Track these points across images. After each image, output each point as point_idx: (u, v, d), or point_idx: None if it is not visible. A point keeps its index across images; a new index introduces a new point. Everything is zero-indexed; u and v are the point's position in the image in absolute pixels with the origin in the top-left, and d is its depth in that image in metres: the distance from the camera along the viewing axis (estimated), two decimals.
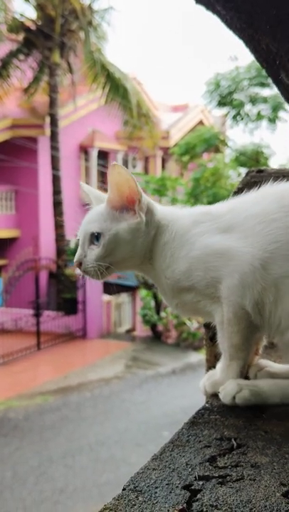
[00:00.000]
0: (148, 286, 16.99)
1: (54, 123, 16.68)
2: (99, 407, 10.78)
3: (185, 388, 11.68)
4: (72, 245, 18.42)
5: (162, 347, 16.08)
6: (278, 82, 1.13)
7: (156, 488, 0.92)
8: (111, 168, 1.44)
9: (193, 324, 16.13)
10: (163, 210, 1.46)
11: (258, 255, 1.26)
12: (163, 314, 16.57)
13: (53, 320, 15.57)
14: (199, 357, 14.31)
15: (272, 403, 1.30)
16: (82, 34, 16.83)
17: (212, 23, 1.16)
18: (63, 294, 16.54)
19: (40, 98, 17.31)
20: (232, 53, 17.94)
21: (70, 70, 17.20)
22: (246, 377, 1.39)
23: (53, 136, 16.69)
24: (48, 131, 17.06)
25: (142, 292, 17.20)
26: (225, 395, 1.31)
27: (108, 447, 8.62)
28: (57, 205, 16.86)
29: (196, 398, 1.45)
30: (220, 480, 0.95)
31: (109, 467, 7.82)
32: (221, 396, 1.32)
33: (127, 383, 12.45)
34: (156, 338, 16.77)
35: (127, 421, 9.93)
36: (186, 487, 0.92)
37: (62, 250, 17.10)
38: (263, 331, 1.37)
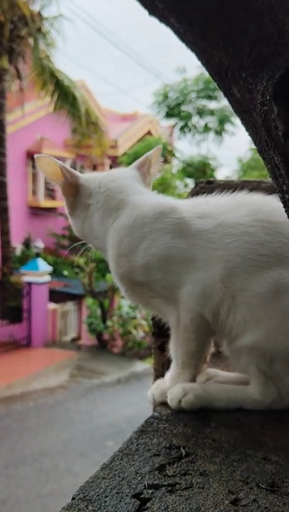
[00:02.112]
0: (94, 295, 16.93)
1: (1, 129, 16.48)
2: (43, 417, 10.65)
3: (130, 397, 11.66)
4: (18, 252, 18.21)
5: (108, 356, 16.02)
6: (230, 96, 1.14)
7: (106, 497, 0.92)
8: (36, 160, 1.47)
9: (139, 334, 16.14)
10: (117, 186, 1.46)
11: (222, 269, 1.27)
12: (109, 323, 16.53)
13: None
14: (145, 366, 14.33)
15: (218, 407, 1.32)
16: (31, 41, 16.71)
17: (164, 34, 1.16)
18: (8, 302, 16.30)
19: None
20: (180, 65, 18.17)
21: (19, 76, 17.04)
22: None
23: (0, 142, 16.48)
24: None
25: (88, 301, 17.13)
26: (171, 399, 1.33)
27: (52, 457, 8.51)
28: (2, 211, 16.63)
29: (141, 407, 1.46)
30: (169, 488, 0.95)
31: (53, 477, 7.72)
32: (168, 400, 1.33)
33: (71, 392, 12.35)
34: (102, 347, 16.71)
35: (71, 431, 9.83)
36: (136, 496, 0.93)
37: (8, 257, 16.87)
38: (214, 338, 1.39)
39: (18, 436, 9.58)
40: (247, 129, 1.16)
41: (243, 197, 1.39)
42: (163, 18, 1.12)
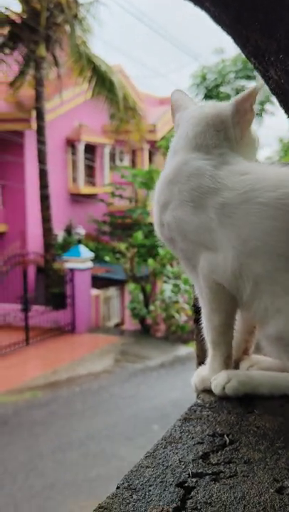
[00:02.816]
0: (136, 280, 17.01)
1: (40, 117, 16.59)
2: (88, 402, 10.79)
3: (174, 381, 11.71)
4: (60, 239, 18.39)
5: (151, 340, 16.10)
6: (267, 78, 1.13)
7: (150, 486, 0.92)
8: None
9: (182, 317, 16.17)
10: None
11: (237, 248, 1.24)
12: (152, 308, 16.59)
13: (41, 315, 15.53)
14: (188, 350, 14.35)
15: (262, 393, 1.31)
16: (67, 27, 16.73)
17: (200, 16, 1.15)
18: (51, 289, 16.50)
19: (26, 92, 17.19)
20: (218, 46, 17.96)
21: (56, 64, 17.10)
22: None
23: (40, 130, 16.60)
24: (34, 125, 16.96)
25: (131, 286, 17.21)
26: (215, 386, 1.33)
27: (98, 442, 8.63)
28: (44, 199, 16.79)
29: (185, 391, 1.46)
30: (213, 477, 0.95)
31: (100, 462, 7.82)
32: (212, 387, 1.33)
33: (116, 377, 12.46)
34: (145, 331, 16.80)
35: (116, 415, 9.94)
36: (180, 484, 0.93)
37: (50, 245, 17.05)
38: (244, 314, 1.37)
39: (64, 421, 9.74)
40: (285, 111, 1.14)
41: (285, 175, 1.29)
42: (198, 2, 1.11)
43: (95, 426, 9.35)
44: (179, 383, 11.07)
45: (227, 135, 1.38)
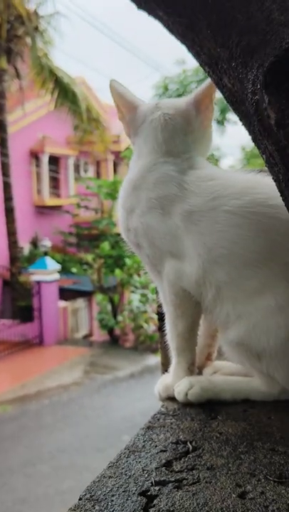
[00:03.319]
0: (104, 291, 16.95)
1: (3, 129, 16.47)
2: (58, 414, 10.69)
3: (144, 391, 11.68)
4: (25, 252, 18.25)
5: (120, 351, 16.05)
6: (221, 87, 1.14)
7: (113, 496, 0.92)
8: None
9: (151, 327, 16.16)
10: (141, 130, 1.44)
11: (202, 256, 1.24)
12: (120, 318, 16.55)
13: (8, 328, 15.36)
14: (157, 359, 14.27)
15: (224, 399, 1.31)
16: (28, 39, 16.68)
17: (161, 27, 1.16)
18: (18, 302, 16.34)
19: None
20: (179, 57, 18.11)
21: (18, 76, 17.02)
22: None
23: (2, 143, 16.48)
24: None
25: (98, 297, 17.15)
26: (178, 393, 1.33)
27: (69, 454, 8.55)
28: (8, 211, 16.65)
29: (155, 401, 1.46)
30: (176, 484, 0.95)
31: (71, 474, 7.75)
32: (175, 394, 1.33)
33: (85, 389, 12.39)
34: (114, 342, 16.74)
35: (86, 427, 9.87)
36: (143, 493, 0.92)
37: (16, 257, 16.90)
38: (207, 318, 1.37)
39: (34, 434, 9.63)
40: (240, 119, 1.15)
41: (252, 182, 1.32)
42: (151, 11, 1.11)
43: (66, 438, 9.27)
44: (149, 393, 10.99)
45: (194, 137, 1.39)
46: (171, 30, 1.13)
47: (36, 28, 16.64)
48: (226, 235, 1.23)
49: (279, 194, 1.02)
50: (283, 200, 1.05)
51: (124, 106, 1.44)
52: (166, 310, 1.37)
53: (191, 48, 1.13)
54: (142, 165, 1.39)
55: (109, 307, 16.92)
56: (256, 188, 1.27)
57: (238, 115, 1.14)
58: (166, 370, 1.56)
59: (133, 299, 16.48)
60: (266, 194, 1.24)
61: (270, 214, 1.22)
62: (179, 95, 16.67)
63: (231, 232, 1.23)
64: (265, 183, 1.25)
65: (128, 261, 15.91)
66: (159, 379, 1.45)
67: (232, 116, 16.82)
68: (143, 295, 16.28)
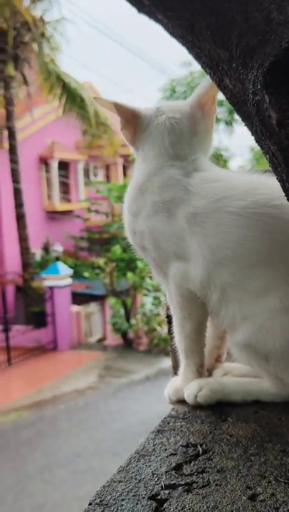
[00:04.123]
0: (116, 294, 16.96)
1: (12, 136, 16.55)
2: (74, 419, 10.70)
3: (159, 394, 11.49)
4: (37, 257, 18.30)
5: (134, 354, 16.04)
6: (223, 87, 1.14)
7: (123, 500, 0.92)
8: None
9: (164, 330, 16.13)
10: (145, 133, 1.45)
11: (207, 257, 1.24)
12: (133, 322, 16.55)
13: (22, 334, 15.41)
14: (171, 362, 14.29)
15: (234, 400, 1.31)
16: (35, 46, 16.74)
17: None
18: (31, 308, 16.39)
19: None
20: (185, 59, 18.11)
21: (26, 82, 17.08)
22: None
23: (12, 149, 16.55)
24: (6, 144, 16.90)
25: (111, 301, 17.15)
26: (188, 396, 1.33)
27: (86, 459, 8.55)
28: (20, 218, 16.71)
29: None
30: (186, 487, 0.95)
31: (88, 479, 7.75)
32: (185, 397, 1.33)
33: (101, 393, 12.38)
34: (128, 345, 16.74)
35: (103, 431, 9.87)
36: (153, 497, 0.92)
37: (28, 263, 16.95)
38: (214, 321, 1.37)
39: (51, 439, 9.63)
40: (243, 120, 1.15)
41: (256, 183, 1.32)
42: (151, 15, 1.12)
43: (82, 443, 9.27)
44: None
45: (199, 139, 1.40)
46: (172, 33, 1.13)
47: (42, 34, 16.71)
48: (231, 236, 1.23)
49: (283, 195, 1.02)
50: (288, 199, 1.04)
51: (126, 114, 1.45)
52: (173, 312, 1.37)
53: (191, 50, 1.13)
54: (148, 169, 1.39)
55: (122, 311, 16.92)
56: (260, 189, 1.27)
57: (240, 116, 1.14)
58: (177, 373, 1.56)
59: (146, 302, 16.47)
60: (270, 195, 1.24)
61: (274, 214, 1.22)
62: (186, 97, 16.70)
63: (236, 233, 1.23)
64: (269, 184, 1.24)
65: (140, 264, 15.90)
66: (169, 382, 1.45)
67: None
68: (156, 298, 16.27)
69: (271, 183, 1.19)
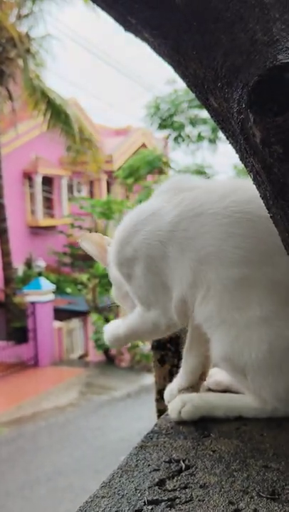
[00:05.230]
0: (99, 310, 16.92)
1: None
2: (55, 436, 10.62)
3: (140, 411, 11.62)
4: (20, 273, 18.22)
5: (116, 371, 15.99)
6: (208, 106, 1.15)
7: None
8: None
9: (146, 346, 16.10)
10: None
11: (193, 256, 1.25)
12: None
13: (2, 350, 15.30)
14: (153, 378, 14.24)
15: (217, 415, 1.31)
16: (20, 62, 16.80)
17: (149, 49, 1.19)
18: (13, 323, 16.30)
19: None
20: (170, 77, 18.25)
21: (10, 98, 17.12)
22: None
23: None
24: None
25: (94, 317, 17.11)
26: (171, 411, 1.34)
27: (66, 476, 8.48)
28: (2, 232, 16.66)
29: (153, 420, 1.46)
30: (169, 503, 0.94)
31: (68, 496, 7.69)
32: (169, 412, 1.34)
33: (82, 410, 12.31)
34: (110, 362, 16.68)
35: (84, 448, 9.80)
36: None
37: (10, 278, 16.88)
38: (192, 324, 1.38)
39: (31, 456, 9.55)
40: (227, 138, 1.16)
41: (235, 185, 1.34)
42: (138, 33, 1.13)
43: (63, 460, 9.20)
44: (146, 412, 10.94)
45: None
46: (158, 52, 1.14)
47: (28, 50, 16.78)
48: (213, 234, 1.22)
49: (260, 195, 1.03)
50: (271, 217, 1.05)
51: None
52: (136, 322, 1.40)
53: (177, 69, 1.14)
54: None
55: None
56: (239, 190, 1.28)
57: (225, 134, 1.15)
58: (160, 389, 1.56)
59: None
60: (250, 194, 1.24)
61: (256, 212, 1.22)
62: (171, 115, 16.79)
63: (218, 230, 1.23)
64: (249, 185, 1.26)
65: None
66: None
67: (223, 135, 16.94)
68: None
69: (251, 183, 1.21)
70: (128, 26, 1.14)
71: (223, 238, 1.22)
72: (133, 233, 1.34)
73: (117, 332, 1.45)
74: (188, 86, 1.20)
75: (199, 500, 0.95)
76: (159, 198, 1.39)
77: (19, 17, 16.79)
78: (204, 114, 16.41)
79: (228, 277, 1.21)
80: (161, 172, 18.09)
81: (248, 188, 1.26)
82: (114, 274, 1.47)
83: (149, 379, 14.61)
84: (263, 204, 1.23)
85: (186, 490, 0.99)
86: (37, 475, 8.60)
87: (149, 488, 1.00)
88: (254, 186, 1.22)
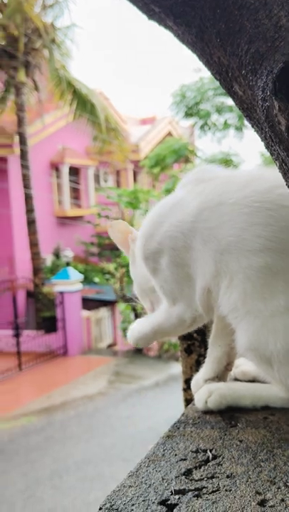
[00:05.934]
0: (126, 300, 16.96)
1: (23, 142, 16.62)
2: (84, 425, 10.69)
3: (169, 400, 11.64)
4: (48, 263, 18.34)
5: (144, 360, 16.03)
6: (232, 94, 1.14)
7: (133, 505, 0.92)
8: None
9: None
10: None
11: (215, 247, 1.24)
12: None
13: (33, 339, 15.45)
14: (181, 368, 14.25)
15: (244, 405, 1.31)
16: (46, 52, 16.83)
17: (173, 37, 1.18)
18: (42, 313, 16.43)
19: (8, 117, 17.24)
20: (196, 65, 18.14)
21: (37, 88, 17.18)
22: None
23: (23, 155, 16.63)
24: (17, 150, 17.00)
25: (121, 306, 17.17)
26: (198, 401, 1.34)
27: (95, 465, 8.54)
28: (30, 223, 16.77)
29: (181, 409, 1.46)
30: (196, 493, 0.95)
31: (98, 485, 7.74)
32: (195, 402, 1.34)
33: (110, 399, 12.37)
34: (138, 351, 16.72)
35: (112, 437, 9.85)
36: (163, 502, 0.92)
37: (39, 268, 17.00)
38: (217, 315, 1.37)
39: (60, 445, 9.63)
40: (252, 126, 1.15)
41: (255, 174, 1.33)
42: (161, 22, 1.12)
43: (92, 449, 9.27)
44: (174, 401, 10.98)
45: None
46: (182, 40, 1.14)
47: (53, 41, 16.80)
48: (234, 223, 1.22)
49: (284, 183, 1.02)
50: None
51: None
52: (168, 318, 1.40)
53: (201, 57, 1.13)
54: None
55: (132, 316, 16.92)
56: (259, 179, 1.28)
57: (250, 122, 1.14)
58: (188, 379, 1.56)
59: None
60: (270, 183, 1.24)
61: (276, 201, 1.21)
62: (197, 103, 16.68)
63: (238, 219, 1.22)
64: (269, 174, 1.25)
65: None
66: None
67: None
68: None
69: (271, 173, 1.19)
70: (152, 15, 1.13)
71: (243, 227, 1.21)
72: (157, 226, 1.34)
73: (143, 330, 1.45)
74: (213, 74, 1.19)
75: (226, 490, 0.95)
76: (182, 189, 1.39)
77: (44, 7, 16.80)
78: (230, 101, 16.27)
79: (249, 266, 1.20)
80: (187, 161, 18.01)
81: (267, 177, 1.26)
82: (136, 270, 1.48)
83: (177, 368, 14.61)
84: (283, 193, 1.22)
85: (213, 480, 0.99)
86: (66, 464, 8.67)
87: (176, 477, 1.00)
88: (273, 176, 1.22)
